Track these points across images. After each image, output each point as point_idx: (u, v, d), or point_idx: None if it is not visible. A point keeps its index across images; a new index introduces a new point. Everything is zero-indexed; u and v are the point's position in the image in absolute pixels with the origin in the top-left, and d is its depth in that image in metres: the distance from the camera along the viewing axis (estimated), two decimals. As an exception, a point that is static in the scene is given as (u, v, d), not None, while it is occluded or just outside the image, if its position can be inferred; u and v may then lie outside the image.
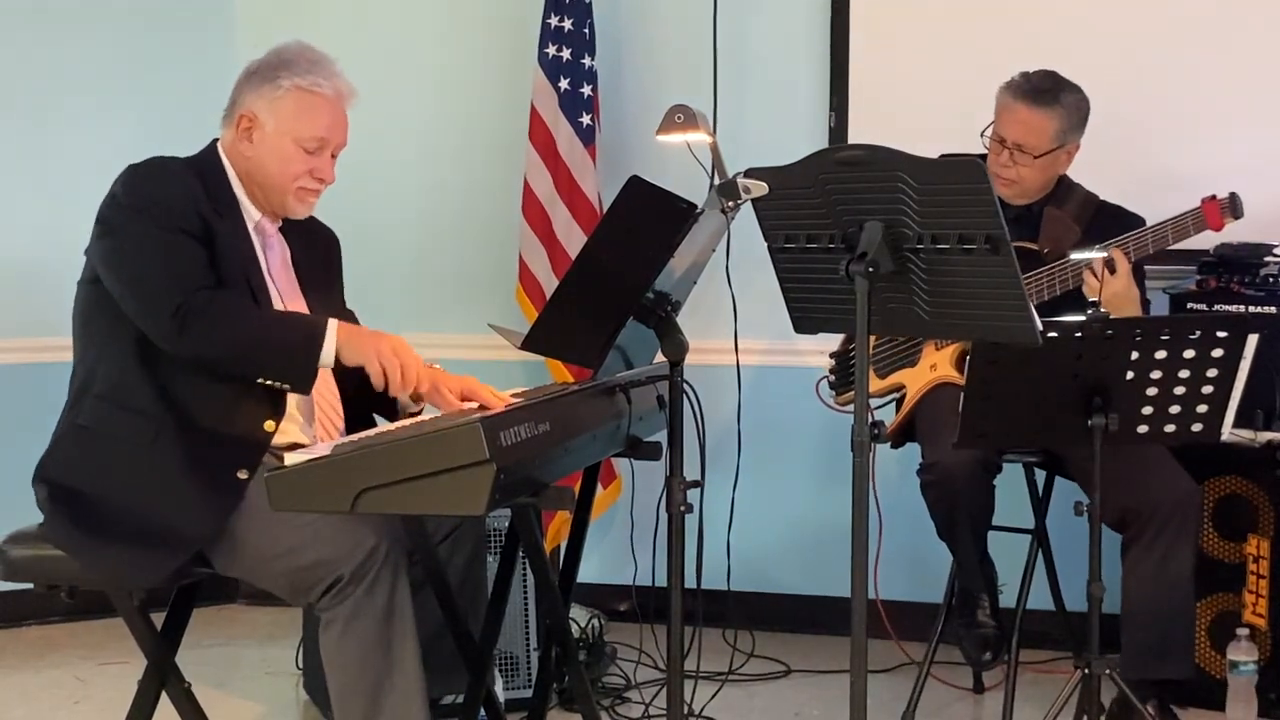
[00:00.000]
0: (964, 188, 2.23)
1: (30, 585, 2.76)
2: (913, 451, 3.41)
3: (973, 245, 2.24)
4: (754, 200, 2.43)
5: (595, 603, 4.16)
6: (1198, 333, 2.82)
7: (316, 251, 2.98)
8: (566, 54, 4.20)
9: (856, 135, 4.19)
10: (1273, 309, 3.48)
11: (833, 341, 3.66)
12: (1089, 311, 2.83)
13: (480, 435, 2.13)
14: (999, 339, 2.51)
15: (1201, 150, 3.92)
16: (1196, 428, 2.92)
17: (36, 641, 4.32)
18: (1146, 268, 3.41)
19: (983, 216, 2.23)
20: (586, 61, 4.21)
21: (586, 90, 4.21)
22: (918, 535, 3.59)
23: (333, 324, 2.64)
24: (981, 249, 2.24)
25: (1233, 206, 3.22)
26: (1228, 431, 2.93)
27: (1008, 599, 3.44)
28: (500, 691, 3.34)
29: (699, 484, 2.60)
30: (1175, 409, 2.90)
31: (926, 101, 4.10)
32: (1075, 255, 3.25)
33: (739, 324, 4.22)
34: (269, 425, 2.66)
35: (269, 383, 2.63)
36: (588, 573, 3.81)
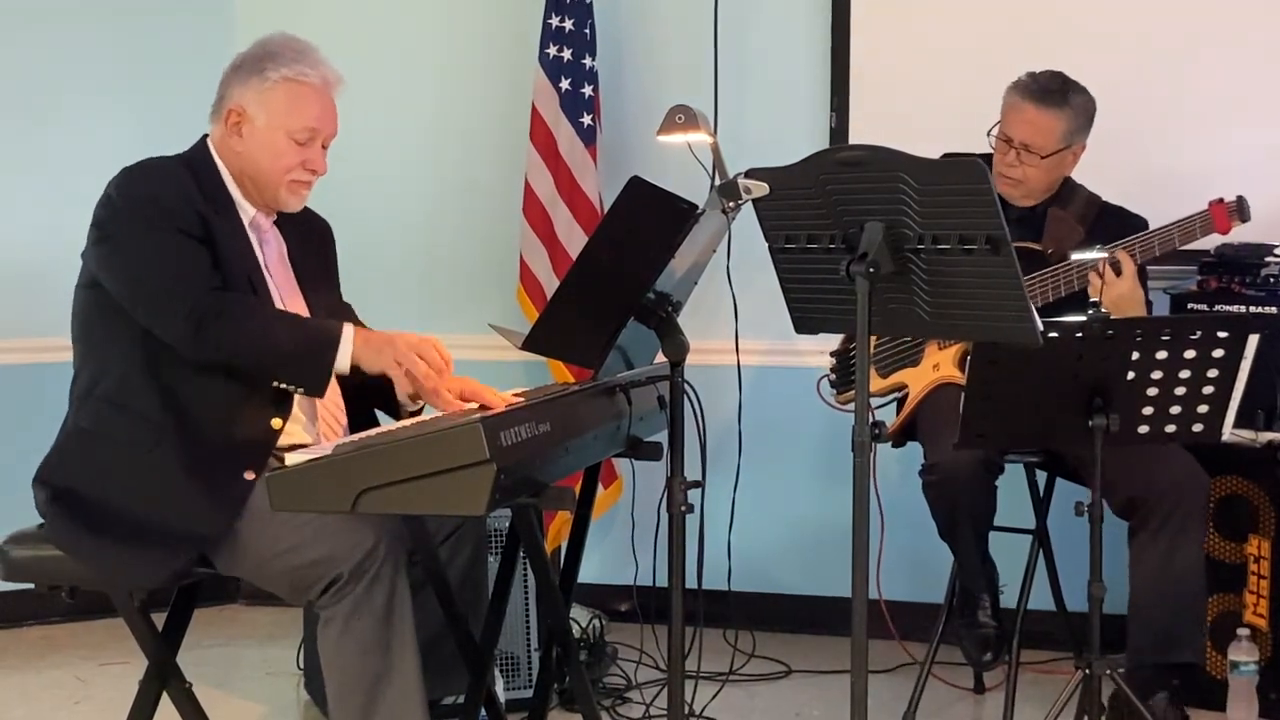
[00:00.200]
0: (964, 188, 2.23)
1: (31, 585, 2.76)
2: (914, 451, 3.41)
3: (973, 245, 2.24)
4: (755, 200, 2.43)
5: (596, 603, 4.16)
6: (1198, 333, 2.82)
7: (312, 244, 2.97)
8: (567, 54, 4.20)
9: (857, 135, 4.18)
10: (1273, 309, 3.49)
11: (833, 340, 3.66)
12: (1089, 312, 2.83)
13: (481, 435, 2.13)
14: (1000, 339, 2.51)
15: (1202, 151, 3.92)
16: (1197, 428, 2.92)
17: (37, 642, 4.32)
18: (1148, 268, 3.41)
19: (983, 217, 2.23)
20: (587, 62, 4.21)
21: (587, 90, 4.21)
22: (919, 535, 3.59)
23: (349, 329, 2.65)
24: (982, 249, 2.24)
25: (1240, 209, 3.23)
26: (1228, 432, 2.93)
27: (1009, 599, 3.44)
28: (501, 692, 3.34)
29: (700, 484, 2.60)
30: (1176, 409, 2.90)
31: (927, 102, 4.10)
32: (1076, 255, 3.25)
33: (740, 324, 4.22)
34: (275, 423, 2.66)
35: (282, 385, 2.63)
36: (588, 573, 3.82)
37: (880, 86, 4.20)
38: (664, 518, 2.59)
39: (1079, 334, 2.78)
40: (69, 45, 4.47)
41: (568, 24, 4.20)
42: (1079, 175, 3.47)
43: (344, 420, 2.87)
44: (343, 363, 2.63)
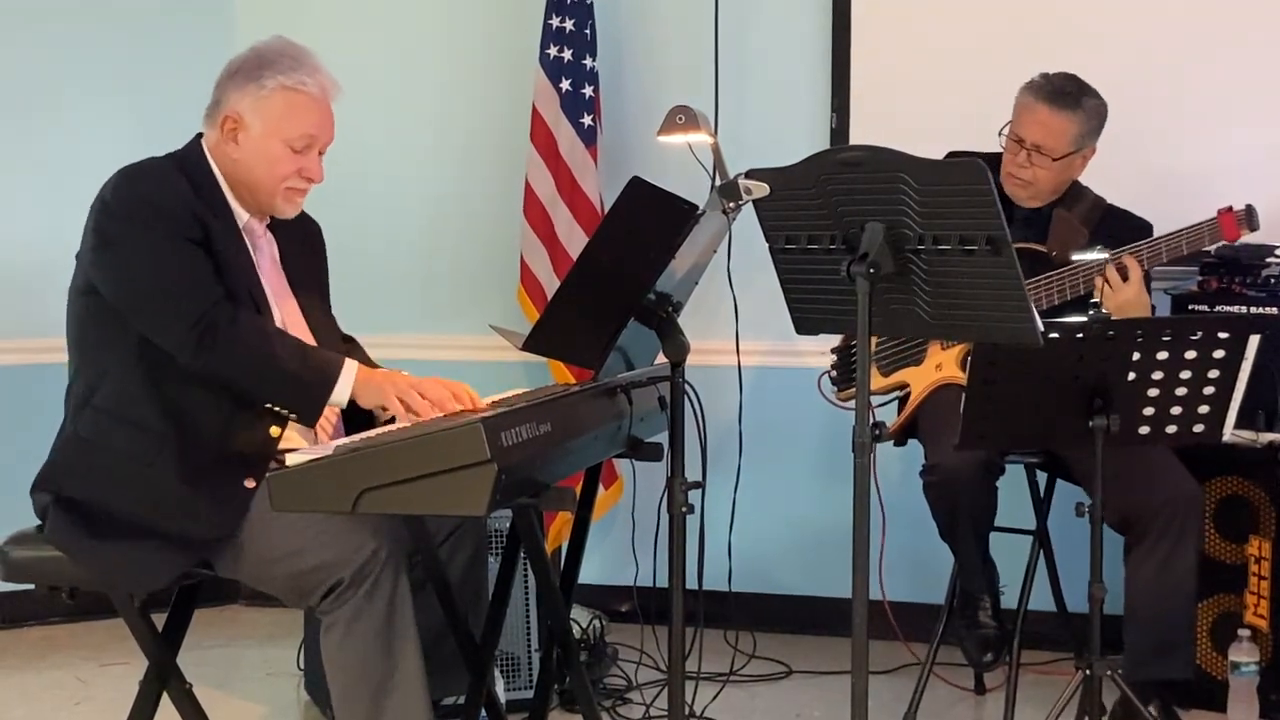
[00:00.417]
0: (965, 188, 2.23)
1: (31, 586, 2.76)
2: (914, 451, 3.41)
3: (974, 246, 2.24)
4: (755, 201, 2.42)
5: (596, 603, 4.16)
6: (1199, 334, 2.82)
7: (305, 247, 2.95)
8: (568, 55, 4.20)
9: (858, 136, 4.18)
10: (1274, 310, 3.48)
11: (834, 338, 3.66)
12: (1090, 312, 2.83)
13: (481, 435, 2.13)
14: (1000, 339, 2.51)
15: (1202, 151, 3.92)
16: (1198, 428, 2.92)
17: (38, 642, 4.31)
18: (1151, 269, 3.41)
19: (984, 217, 2.23)
20: (588, 62, 4.21)
21: (588, 91, 4.21)
22: (919, 536, 3.59)
23: (350, 365, 2.65)
24: (983, 250, 2.24)
25: (1249, 218, 3.22)
26: (1229, 432, 2.93)
27: (1009, 600, 3.44)
28: (501, 692, 3.34)
29: (700, 485, 2.60)
30: (1177, 410, 2.90)
31: (928, 102, 4.10)
32: (1077, 256, 3.24)
33: (740, 325, 4.22)
34: (274, 431, 2.65)
35: (275, 409, 2.63)
36: (589, 573, 3.81)
37: (880, 87, 4.20)
38: (664, 518, 2.59)
39: (1080, 335, 2.78)
40: (69, 45, 4.47)
41: (568, 24, 4.19)
42: (1083, 175, 3.47)
43: (340, 426, 2.86)
44: (340, 396, 2.64)
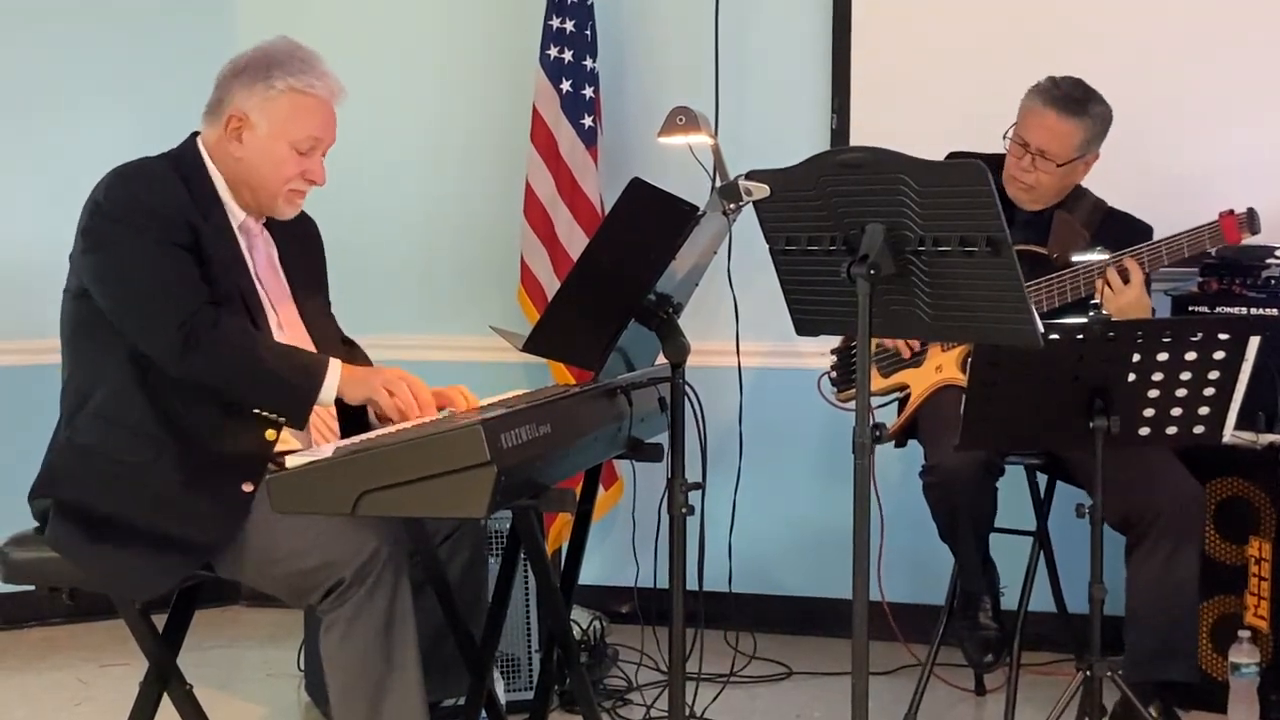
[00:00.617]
0: (965, 190, 2.23)
1: (32, 587, 2.76)
2: (914, 452, 3.41)
3: (974, 247, 2.24)
4: (755, 202, 2.42)
5: (597, 604, 4.16)
6: (1199, 335, 2.82)
7: (303, 246, 2.94)
8: (568, 56, 4.20)
9: (858, 137, 4.18)
10: (1274, 311, 3.48)
11: (834, 340, 3.66)
12: (1090, 313, 2.83)
13: (481, 437, 2.13)
14: (1000, 341, 2.51)
15: (1202, 152, 3.92)
16: (1198, 430, 2.92)
17: (38, 643, 4.31)
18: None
19: (984, 219, 2.23)
20: (588, 63, 4.21)
21: (588, 92, 4.21)
22: (919, 537, 3.59)
23: (335, 364, 2.64)
24: (983, 251, 2.24)
25: (1250, 222, 3.22)
26: (1229, 433, 2.93)
27: (1009, 601, 3.44)
28: (501, 693, 3.34)
29: (700, 486, 2.60)
30: (1177, 411, 2.90)
31: (928, 103, 4.10)
32: (1077, 258, 3.24)
33: (740, 326, 4.22)
34: (269, 434, 2.64)
35: (263, 414, 2.62)
36: (589, 574, 3.82)
37: (881, 88, 4.20)
38: (665, 519, 2.59)
39: (1080, 336, 2.78)
40: (69, 45, 4.47)
41: (569, 25, 4.19)
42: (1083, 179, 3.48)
43: (336, 428, 2.86)
44: (327, 395, 2.63)
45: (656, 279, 2.49)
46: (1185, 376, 2.85)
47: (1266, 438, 3.43)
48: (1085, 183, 3.47)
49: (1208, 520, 3.50)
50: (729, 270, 4.13)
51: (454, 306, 4.57)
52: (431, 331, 4.50)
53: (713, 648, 3.99)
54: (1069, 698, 3.04)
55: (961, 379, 3.26)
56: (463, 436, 2.15)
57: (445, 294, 4.60)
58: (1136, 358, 2.82)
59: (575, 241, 4.17)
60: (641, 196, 2.42)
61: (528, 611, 3.60)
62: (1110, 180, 3.48)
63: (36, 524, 2.71)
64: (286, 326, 2.80)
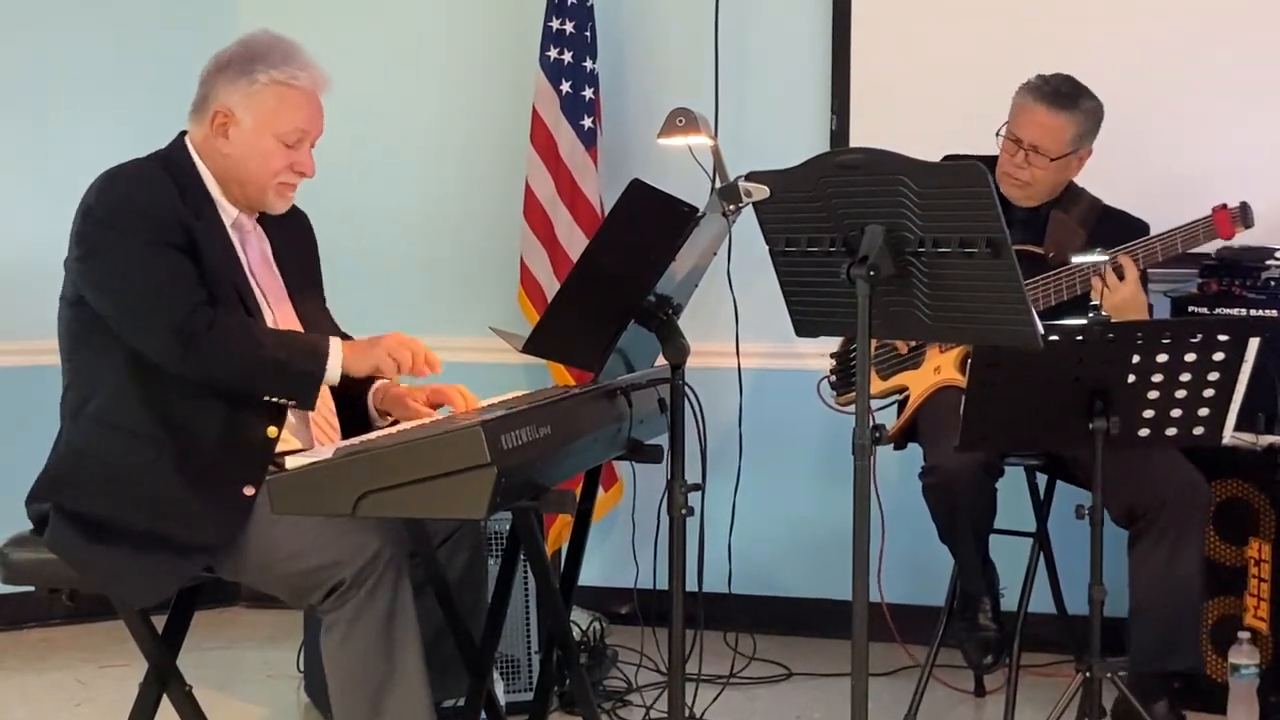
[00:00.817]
0: (964, 191, 2.23)
1: (32, 588, 2.75)
2: (914, 453, 3.41)
3: (974, 248, 2.24)
4: (755, 203, 2.43)
5: (596, 606, 4.16)
6: (1199, 336, 2.82)
7: (297, 241, 2.94)
8: (568, 57, 4.20)
9: (858, 138, 4.18)
10: (1274, 312, 3.48)
11: (833, 341, 3.66)
12: (1090, 315, 2.83)
13: (481, 438, 2.13)
14: (1000, 342, 2.51)
15: (1202, 152, 3.92)
16: (1198, 431, 2.92)
17: (38, 644, 4.31)
18: (1149, 271, 3.41)
19: (984, 220, 2.23)
20: (588, 64, 4.21)
21: (588, 93, 4.21)
22: (919, 538, 3.59)
23: (335, 341, 2.65)
24: (983, 252, 2.24)
25: (1244, 215, 3.23)
26: (1229, 435, 2.93)
27: (1009, 602, 3.44)
28: (501, 694, 3.34)
29: (700, 487, 2.60)
30: (1176, 412, 2.90)
31: (928, 104, 4.10)
32: (1076, 259, 3.25)
33: (740, 327, 4.22)
34: (271, 431, 2.64)
35: (273, 400, 2.62)
36: (589, 576, 3.81)
37: (881, 89, 4.20)
38: (664, 520, 2.59)
39: (1079, 337, 2.78)
40: (68, 45, 4.46)
41: (568, 27, 4.19)
42: (1079, 177, 3.47)
43: (336, 424, 2.86)
44: (333, 374, 2.64)
45: (656, 280, 2.49)
46: (1185, 378, 2.85)
47: (1266, 439, 3.43)
48: (1082, 182, 3.47)
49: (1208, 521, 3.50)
50: (729, 271, 4.13)
51: (454, 307, 4.56)
52: (431, 332, 4.43)
53: (712, 649, 3.99)
54: (1069, 699, 3.03)
55: (960, 380, 3.26)
56: (463, 437, 2.15)
57: (445, 295, 4.59)
58: (1136, 359, 2.82)
59: (575, 243, 4.17)
60: (641, 198, 2.42)
61: (527, 612, 3.60)
62: (1108, 180, 3.48)
63: (33, 525, 2.70)
64: (282, 322, 2.80)
